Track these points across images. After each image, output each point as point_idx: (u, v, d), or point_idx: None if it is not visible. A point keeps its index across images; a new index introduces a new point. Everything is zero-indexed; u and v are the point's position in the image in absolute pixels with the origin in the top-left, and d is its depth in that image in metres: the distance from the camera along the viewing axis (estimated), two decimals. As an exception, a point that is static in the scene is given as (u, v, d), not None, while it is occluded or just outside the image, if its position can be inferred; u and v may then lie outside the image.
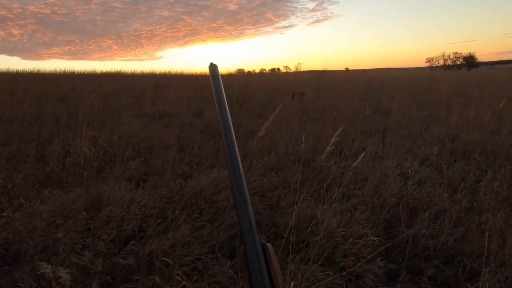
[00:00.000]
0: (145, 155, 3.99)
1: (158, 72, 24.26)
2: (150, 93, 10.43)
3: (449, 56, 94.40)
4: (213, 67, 0.58)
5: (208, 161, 3.80)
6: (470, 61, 79.56)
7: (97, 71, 21.46)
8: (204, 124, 5.60)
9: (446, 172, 3.31)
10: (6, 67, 18.67)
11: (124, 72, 25.26)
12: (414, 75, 27.81)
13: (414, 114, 6.70)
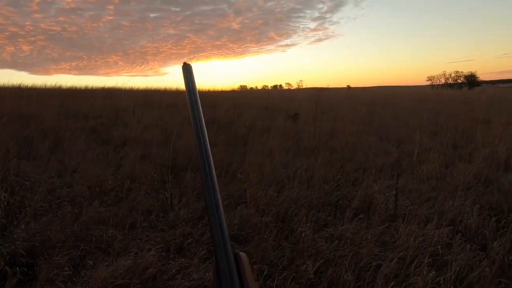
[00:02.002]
0: (65, 206, 2.85)
1: (153, 88, 23.56)
2: (128, 113, 9.41)
3: (450, 74, 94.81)
4: (186, 67, 0.55)
5: (148, 224, 2.67)
6: (471, 80, 79.72)
7: (90, 86, 20.78)
8: (169, 156, 4.49)
9: (494, 255, 2.15)
10: (14, 82, 18.62)
11: (119, 88, 24.55)
12: (417, 93, 26.91)
13: (429, 143, 5.58)
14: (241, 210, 2.76)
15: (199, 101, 0.51)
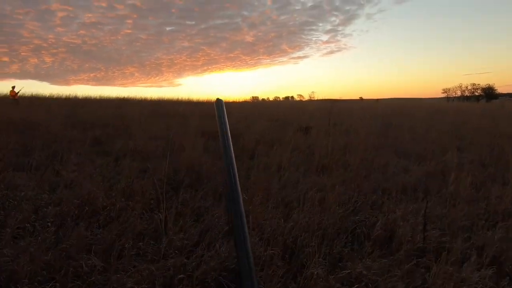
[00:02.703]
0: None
1: (166, 98, 23.75)
2: (136, 122, 9.24)
3: (467, 87, 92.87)
4: (219, 101, 0.65)
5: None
6: (489, 92, 77.76)
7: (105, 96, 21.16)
8: (166, 172, 4.19)
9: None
10: (35, 91, 19.38)
11: (133, 98, 24.84)
12: (432, 106, 26.08)
13: (453, 160, 5.10)
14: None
15: (229, 132, 0.58)
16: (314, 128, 8.62)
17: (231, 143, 0.55)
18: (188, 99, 24.72)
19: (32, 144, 5.76)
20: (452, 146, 6.02)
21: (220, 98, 0.67)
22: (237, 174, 0.50)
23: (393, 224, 2.66)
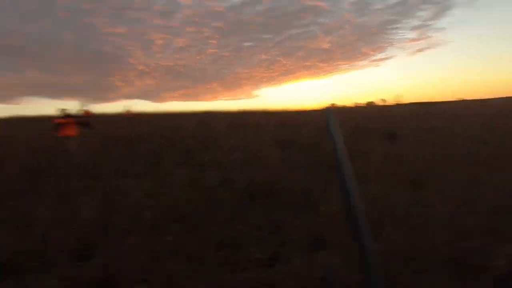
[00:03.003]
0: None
1: (244, 110, 25.05)
2: (217, 133, 9.90)
3: None
4: (329, 110, 0.64)
5: None
6: None
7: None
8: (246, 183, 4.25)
9: None
10: (142, 109, 23.75)
11: (215, 110, 26.94)
12: None
13: None
14: (321, 258, 2.23)
15: (342, 141, 0.56)
16: (403, 135, 7.75)
17: (346, 159, 0.50)
18: (265, 109, 25.45)
19: (137, 154, 6.73)
20: None
21: (329, 107, 0.65)
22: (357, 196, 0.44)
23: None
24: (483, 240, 2.39)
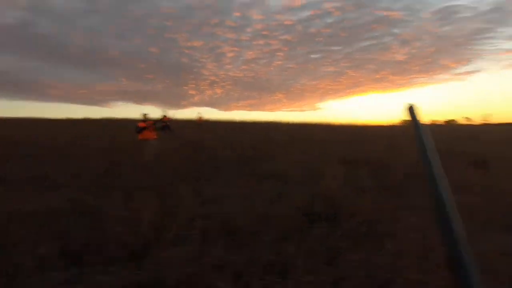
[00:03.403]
0: None
1: (307, 122, 24.64)
2: (279, 145, 9.79)
3: None
4: (412, 108, 0.54)
5: None
6: None
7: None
8: (305, 203, 3.98)
9: None
10: (211, 116, 25.56)
11: (278, 121, 27.15)
12: None
13: None
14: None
15: (429, 140, 0.47)
16: (494, 161, 6.53)
17: (438, 163, 0.39)
18: (328, 123, 24.60)
19: (199, 161, 7.03)
20: None
21: (412, 104, 0.54)
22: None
23: None
24: None
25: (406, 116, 0.54)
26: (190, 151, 8.51)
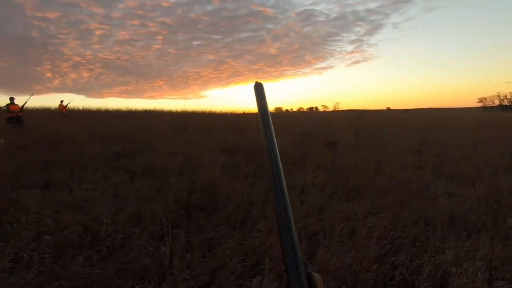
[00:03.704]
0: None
1: (191, 111, 24.17)
2: (159, 136, 9.21)
3: (506, 96, 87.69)
4: (258, 86, 0.55)
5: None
6: (533, 101, 72.65)
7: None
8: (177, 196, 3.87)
9: None
10: (77, 105, 21.07)
11: (159, 110, 25.51)
12: (469, 116, 24.27)
13: (509, 182, 4.40)
14: (258, 284, 2.01)
15: (270, 120, 0.49)
16: (341, 142, 8.09)
17: (273, 134, 0.44)
18: (212, 111, 24.96)
19: (55, 160, 5.77)
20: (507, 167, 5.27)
21: (259, 82, 0.54)
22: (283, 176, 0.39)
23: (445, 271, 2.15)
24: (410, 254, 2.43)
25: (254, 94, 0.54)
26: (46, 149, 6.90)
